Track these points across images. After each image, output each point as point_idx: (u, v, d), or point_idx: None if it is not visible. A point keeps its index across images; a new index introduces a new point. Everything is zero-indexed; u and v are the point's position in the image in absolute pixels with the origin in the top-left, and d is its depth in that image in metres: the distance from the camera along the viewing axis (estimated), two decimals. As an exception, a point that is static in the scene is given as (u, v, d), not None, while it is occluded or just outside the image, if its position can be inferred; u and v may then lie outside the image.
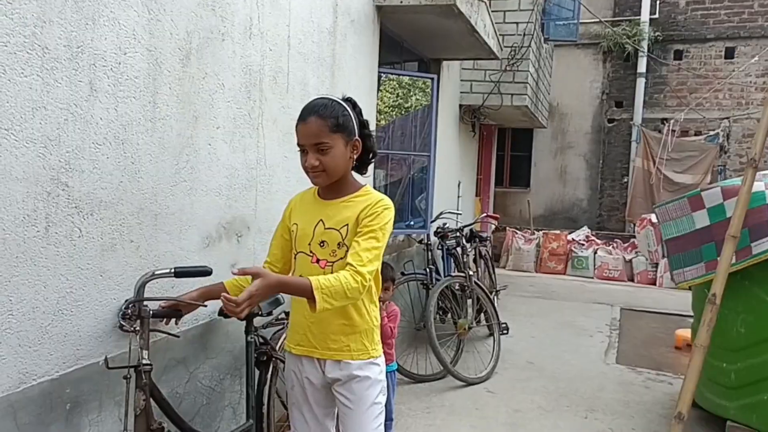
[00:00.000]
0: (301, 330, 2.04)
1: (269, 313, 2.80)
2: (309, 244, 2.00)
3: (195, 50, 2.59)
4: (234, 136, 2.90)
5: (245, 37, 2.95)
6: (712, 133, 11.23)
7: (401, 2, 4.57)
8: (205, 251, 2.70)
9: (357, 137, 1.99)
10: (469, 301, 5.30)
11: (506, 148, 12.57)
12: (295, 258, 2.07)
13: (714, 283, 3.54)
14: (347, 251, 1.92)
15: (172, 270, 2.19)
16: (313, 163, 1.91)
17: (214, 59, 2.73)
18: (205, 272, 2.27)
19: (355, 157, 2.01)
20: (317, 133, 1.90)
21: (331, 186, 2.01)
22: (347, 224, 1.95)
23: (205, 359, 2.72)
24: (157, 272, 2.17)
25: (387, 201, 1.99)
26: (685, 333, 5.90)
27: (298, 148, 1.97)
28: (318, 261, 1.98)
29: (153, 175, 2.37)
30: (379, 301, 3.47)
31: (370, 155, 2.09)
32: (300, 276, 1.95)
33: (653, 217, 9.65)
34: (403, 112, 6.01)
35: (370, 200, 1.98)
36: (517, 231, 10.91)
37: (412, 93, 5.98)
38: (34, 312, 1.90)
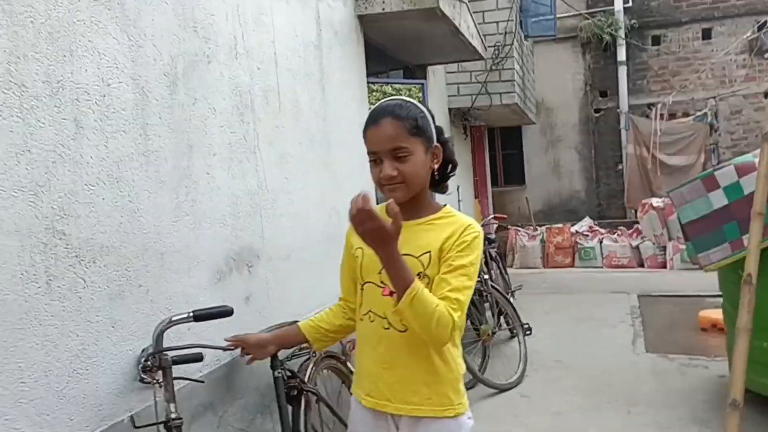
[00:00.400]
0: (371, 378, 1.69)
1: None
2: (380, 273, 1.62)
3: (181, 75, 2.44)
4: (232, 162, 2.74)
5: (231, 57, 2.80)
6: (699, 113, 11.20)
7: (383, 9, 4.45)
8: (218, 287, 2.52)
9: (437, 144, 1.67)
10: (488, 305, 5.14)
11: (497, 148, 12.46)
12: (362, 289, 1.72)
13: (747, 263, 3.41)
14: (428, 284, 1.58)
15: (191, 314, 2.00)
16: (390, 173, 1.57)
17: (202, 83, 2.57)
18: (227, 312, 2.06)
19: (436, 167, 1.68)
20: (394, 136, 1.58)
21: (408, 204, 1.63)
22: (429, 251, 1.60)
23: (233, 401, 2.54)
24: (174, 318, 1.99)
25: (477, 227, 1.65)
26: (709, 314, 5.76)
27: (370, 158, 1.63)
28: (392, 293, 1.57)
29: (153, 213, 2.20)
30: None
31: (449, 167, 1.73)
32: (371, 307, 1.66)
33: (654, 201, 9.55)
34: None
35: (457, 225, 1.63)
36: (520, 228, 10.77)
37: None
38: (47, 376, 1.72)
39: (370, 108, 4.79)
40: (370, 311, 1.67)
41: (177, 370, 2.00)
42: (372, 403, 1.69)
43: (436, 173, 1.68)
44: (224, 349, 2.08)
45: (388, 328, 1.61)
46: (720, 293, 4.13)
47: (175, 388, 1.96)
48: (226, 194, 2.66)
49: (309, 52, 3.61)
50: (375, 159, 1.62)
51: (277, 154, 3.13)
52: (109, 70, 2.06)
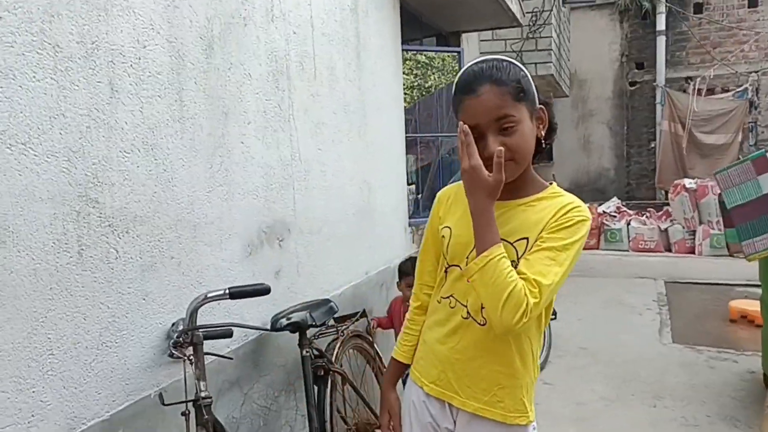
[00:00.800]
0: (439, 365, 1.50)
1: (322, 324, 2.56)
2: (467, 257, 1.42)
3: (218, 38, 2.34)
4: (266, 131, 2.65)
5: (267, 20, 2.69)
6: (740, 88, 10.76)
7: (422, -28, 4.27)
8: (249, 260, 2.46)
9: (540, 105, 1.43)
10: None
11: (525, 122, 12.18)
12: (445, 273, 1.52)
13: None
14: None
15: (227, 291, 1.92)
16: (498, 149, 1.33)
17: (239, 47, 2.47)
18: (263, 291, 1.96)
19: (543, 133, 1.43)
20: (499, 104, 1.33)
21: (512, 181, 1.39)
22: (526, 237, 1.38)
23: (259, 377, 2.50)
24: (210, 295, 1.92)
25: (584, 210, 1.39)
26: (739, 305, 5.62)
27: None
28: None
29: (187, 182, 2.13)
30: (405, 301, 3.20)
31: (546, 133, 1.46)
32: (454, 293, 1.48)
33: (686, 182, 9.28)
34: (423, 93, 5.73)
35: (561, 204, 1.39)
36: (545, 207, 10.57)
37: (430, 72, 5.68)
38: (76, 348, 1.68)
39: (404, 76, 4.66)
40: (452, 296, 1.49)
41: (206, 346, 1.95)
42: (437, 392, 1.51)
43: (543, 142, 1.45)
44: (255, 328, 2.02)
45: (467, 318, 1.45)
46: (753, 282, 3.98)
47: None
48: (260, 164, 2.57)
49: (345, 15, 3.48)
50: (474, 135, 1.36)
51: (311, 123, 3.03)
52: (144, 31, 1.97)
